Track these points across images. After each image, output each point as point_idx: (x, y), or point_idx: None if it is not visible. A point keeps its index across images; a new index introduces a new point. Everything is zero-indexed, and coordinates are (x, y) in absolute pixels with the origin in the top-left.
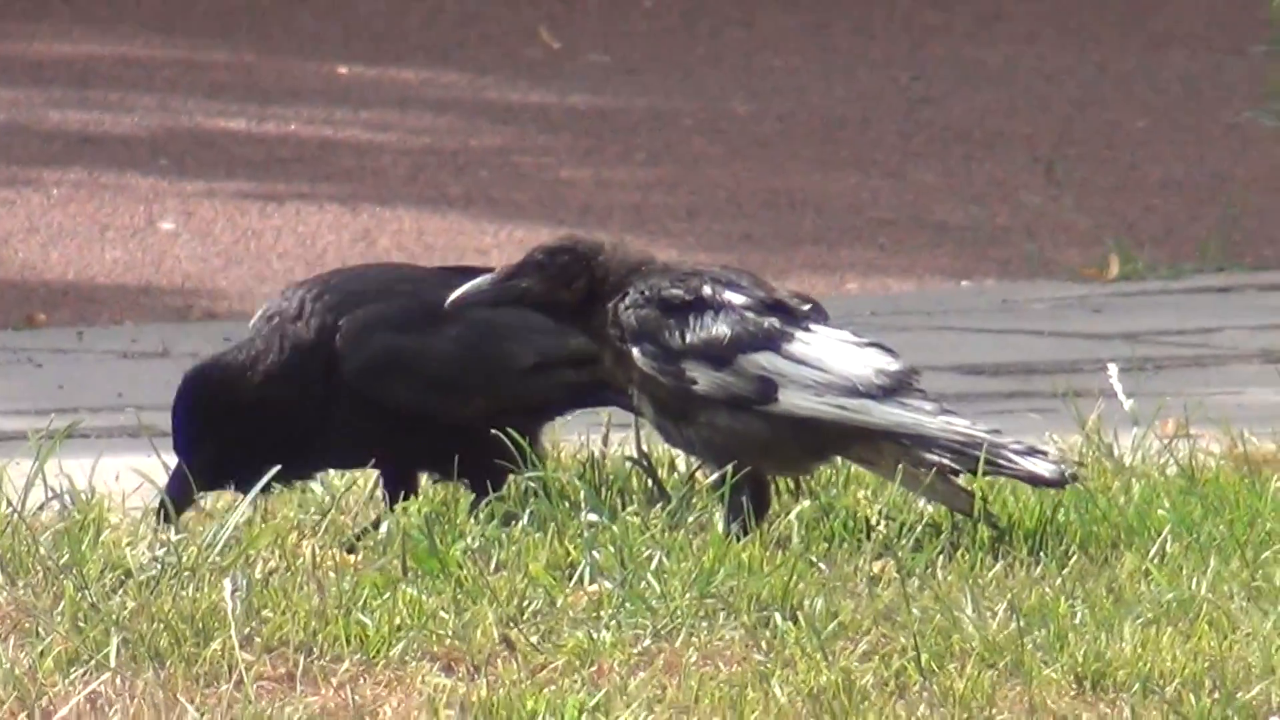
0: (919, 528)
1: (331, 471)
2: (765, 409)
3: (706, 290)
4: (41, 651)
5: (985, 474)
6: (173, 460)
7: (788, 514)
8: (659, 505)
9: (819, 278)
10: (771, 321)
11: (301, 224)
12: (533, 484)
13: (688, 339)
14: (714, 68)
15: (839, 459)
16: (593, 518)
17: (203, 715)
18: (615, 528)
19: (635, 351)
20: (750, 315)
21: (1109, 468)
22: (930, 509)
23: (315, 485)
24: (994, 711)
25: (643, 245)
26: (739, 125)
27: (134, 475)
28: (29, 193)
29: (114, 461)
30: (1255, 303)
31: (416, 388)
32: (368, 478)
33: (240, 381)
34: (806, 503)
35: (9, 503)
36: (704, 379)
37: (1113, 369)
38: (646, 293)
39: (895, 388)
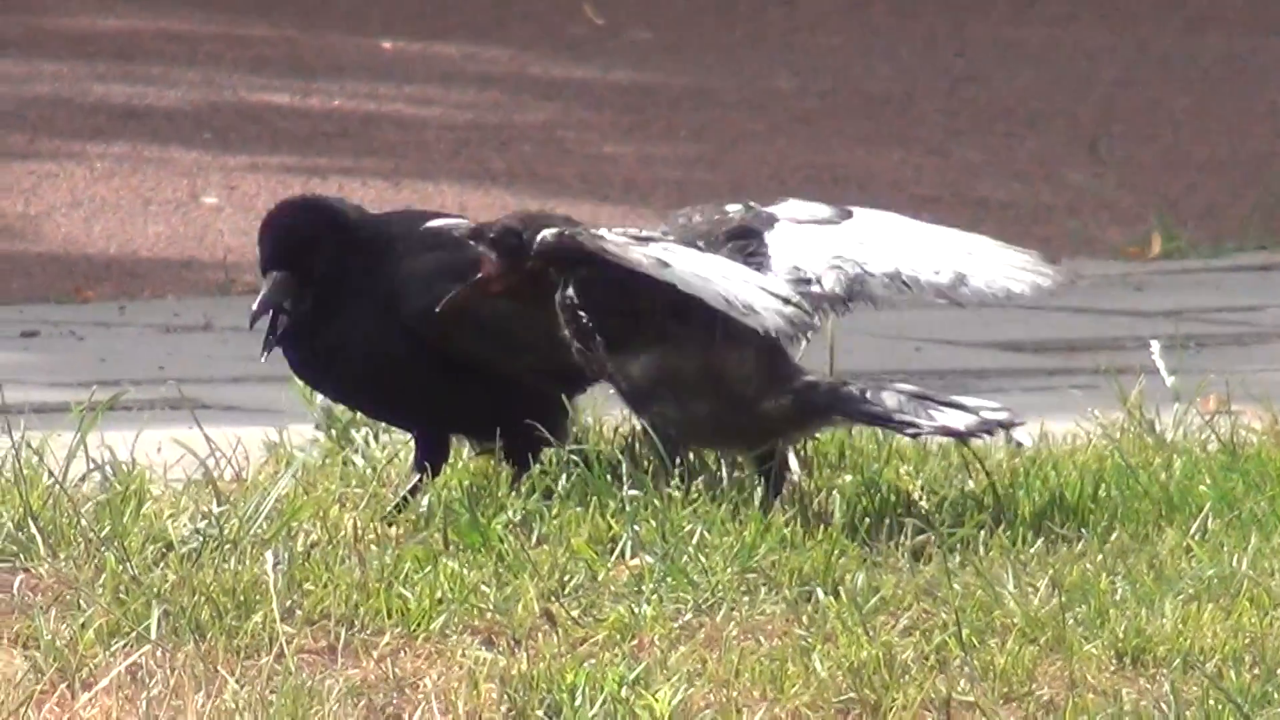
0: (962, 502)
1: (371, 441)
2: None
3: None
4: (83, 623)
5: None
6: (213, 432)
7: (830, 489)
8: (699, 479)
9: None
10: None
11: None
12: (575, 457)
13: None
14: (756, 45)
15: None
16: (634, 492)
17: (243, 687)
18: (657, 502)
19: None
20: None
21: (1151, 444)
22: (972, 484)
23: (357, 458)
24: (1034, 686)
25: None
26: (781, 102)
27: (175, 447)
28: (72, 166)
29: (155, 434)
30: None
31: (472, 336)
32: (409, 450)
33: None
34: (849, 477)
35: (51, 474)
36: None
37: (1155, 346)
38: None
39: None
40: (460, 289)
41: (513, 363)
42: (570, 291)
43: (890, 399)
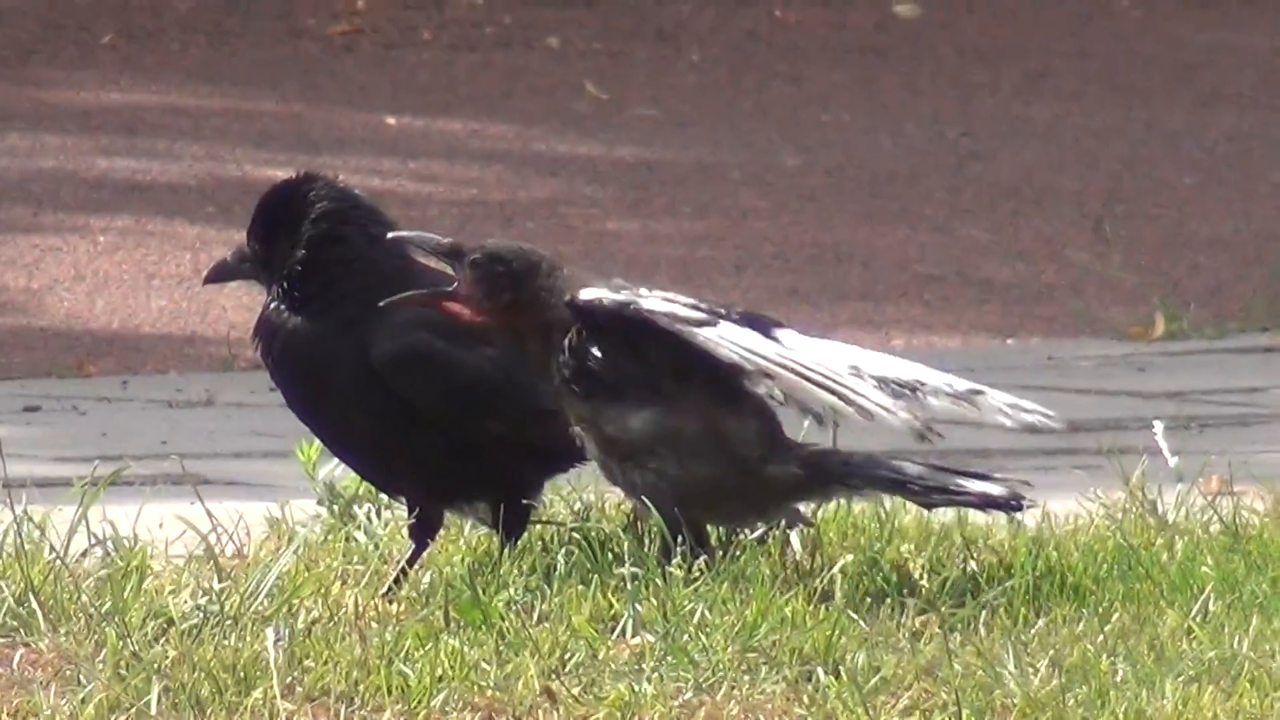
0: (962, 583)
1: (374, 519)
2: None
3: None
4: (83, 699)
5: (933, 504)
6: (215, 508)
7: (831, 567)
8: (701, 558)
9: (865, 333)
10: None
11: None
12: (576, 534)
13: (639, 290)
14: (761, 121)
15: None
16: (635, 570)
17: None
18: (658, 580)
19: (589, 292)
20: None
21: (1153, 525)
22: (974, 564)
23: (359, 534)
24: None
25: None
26: (786, 179)
27: (177, 523)
28: (76, 240)
29: (157, 509)
30: None
31: (436, 390)
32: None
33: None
34: (850, 556)
35: (52, 549)
36: (649, 304)
37: (1158, 427)
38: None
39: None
40: (416, 293)
41: (475, 425)
42: (582, 334)
43: (911, 468)
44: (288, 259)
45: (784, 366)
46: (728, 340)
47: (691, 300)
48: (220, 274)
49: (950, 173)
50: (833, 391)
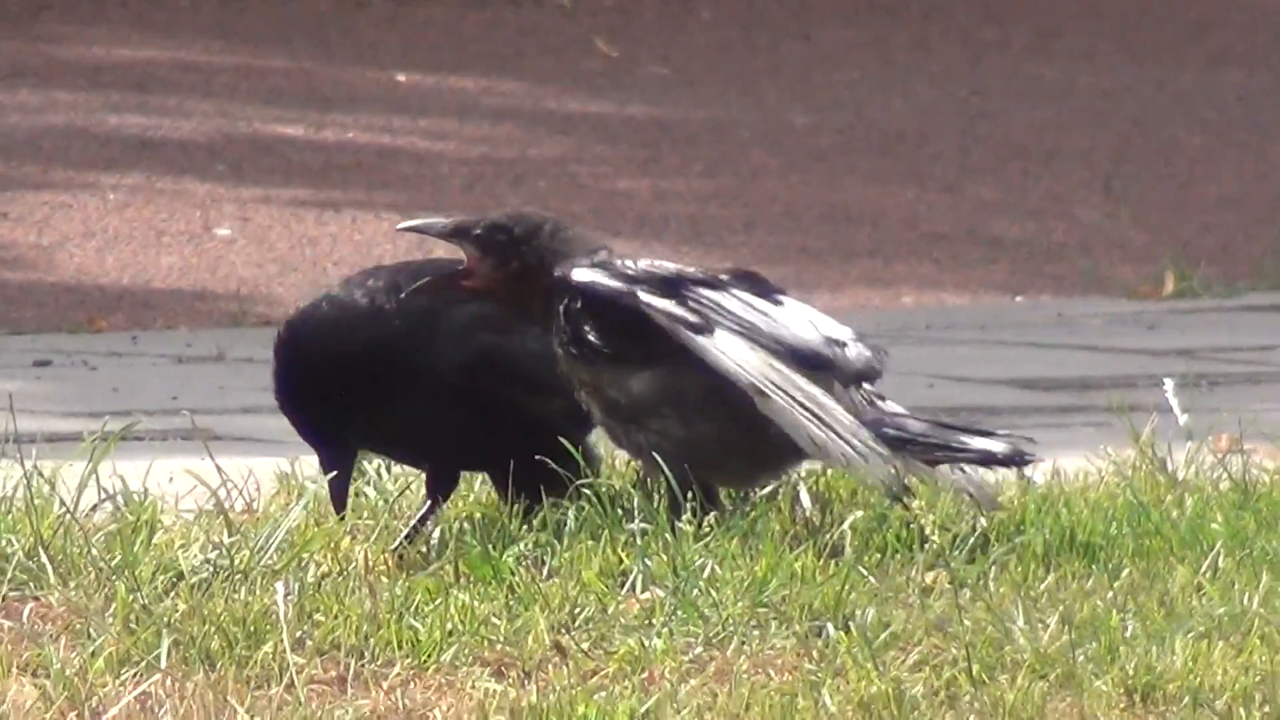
0: (972, 539)
1: (383, 473)
2: (700, 340)
3: (657, 261)
4: (93, 652)
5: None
6: (224, 463)
7: (841, 523)
8: (710, 514)
9: (874, 291)
10: (722, 278)
11: (358, 232)
12: (586, 490)
13: (640, 266)
14: (772, 80)
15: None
16: (645, 525)
17: (253, 717)
18: (668, 535)
19: (583, 272)
20: (699, 270)
21: (1163, 482)
22: (984, 521)
23: (368, 489)
24: None
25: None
26: (797, 138)
27: (187, 478)
28: (86, 197)
29: (167, 464)
30: None
31: (508, 384)
32: (420, 483)
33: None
34: (860, 512)
35: (62, 503)
36: (647, 296)
37: (1168, 384)
38: (598, 262)
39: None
40: (432, 279)
41: (545, 405)
42: (578, 303)
43: (915, 425)
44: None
45: (776, 389)
46: (721, 350)
47: (682, 268)
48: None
49: (960, 131)
50: (817, 427)
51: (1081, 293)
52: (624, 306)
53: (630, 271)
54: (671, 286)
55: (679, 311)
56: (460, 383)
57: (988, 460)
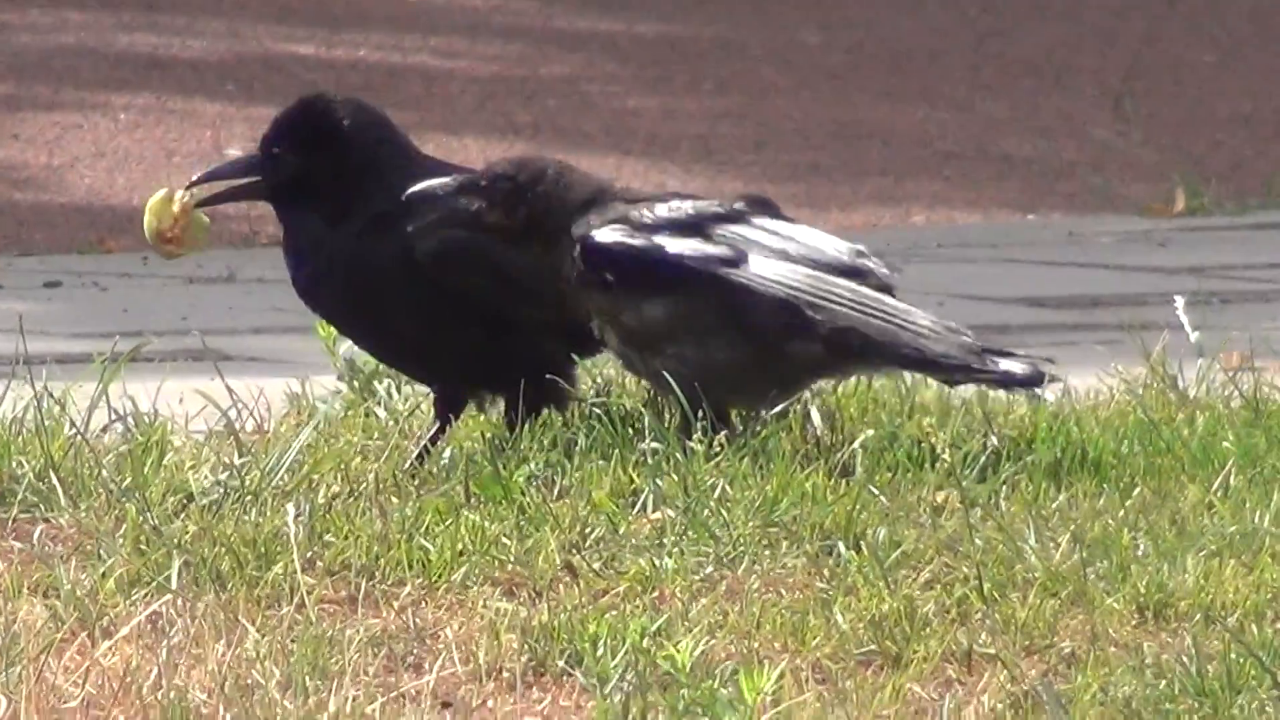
0: (983, 457)
1: (393, 393)
2: (734, 275)
3: (671, 201)
4: (103, 573)
5: (955, 381)
6: (235, 384)
7: (852, 442)
8: (721, 433)
9: (885, 209)
10: (739, 208)
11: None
12: (597, 409)
13: (657, 213)
14: None
15: (799, 386)
16: (656, 445)
17: (264, 636)
18: (679, 455)
19: (605, 231)
20: (716, 204)
21: (1174, 400)
22: (995, 440)
23: (379, 410)
24: (1056, 640)
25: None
26: (807, 56)
27: (197, 399)
28: (96, 117)
29: (177, 385)
30: None
31: (477, 275)
32: (430, 403)
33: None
34: (870, 431)
35: (72, 424)
36: (675, 244)
37: (1179, 302)
38: (609, 214)
39: (864, 272)
40: (459, 181)
41: (532, 316)
42: (594, 219)
43: (933, 345)
44: (321, 175)
45: (837, 299)
46: (762, 275)
47: (697, 205)
48: (219, 194)
49: (970, 50)
50: (889, 321)
51: (1092, 211)
52: (653, 260)
53: (649, 220)
54: (694, 228)
55: (712, 250)
56: (432, 270)
57: (1009, 381)
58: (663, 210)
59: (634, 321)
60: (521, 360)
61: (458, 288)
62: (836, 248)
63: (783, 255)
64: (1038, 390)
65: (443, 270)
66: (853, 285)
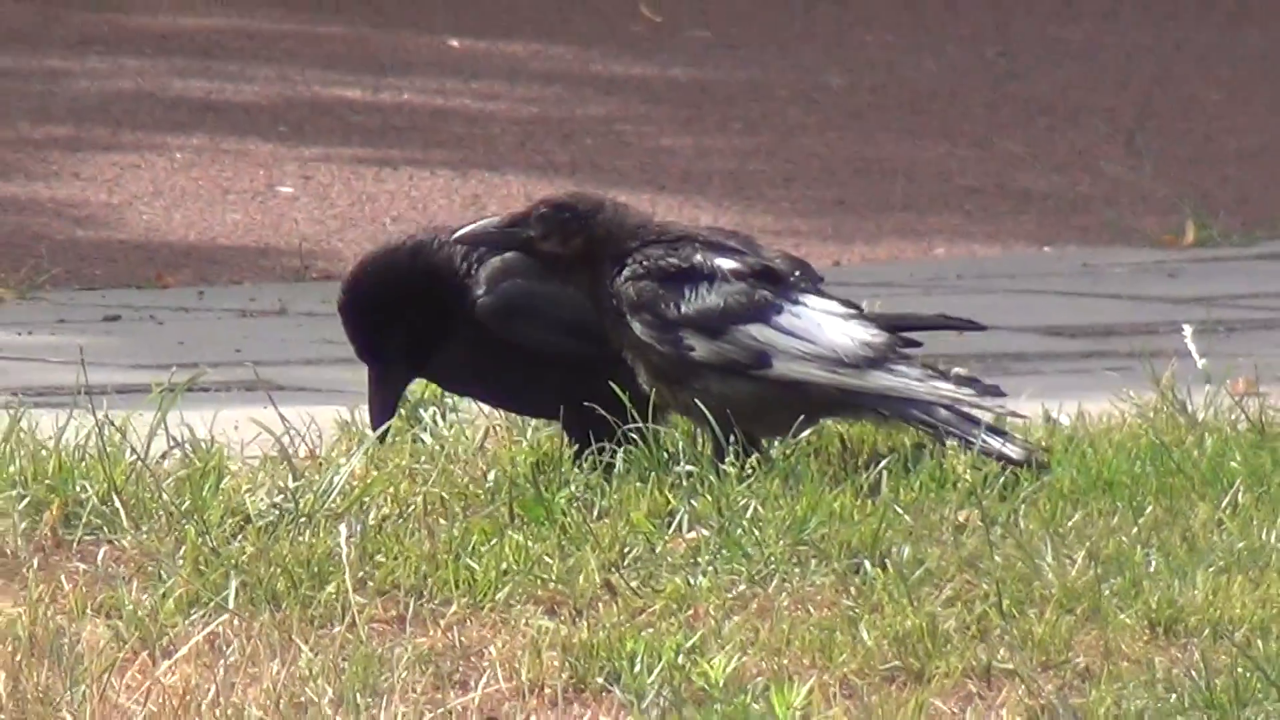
0: (1002, 478)
1: (439, 420)
2: (760, 374)
3: (698, 258)
4: (163, 593)
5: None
6: (287, 412)
7: (877, 465)
8: (753, 455)
9: (908, 243)
10: (763, 294)
11: (414, 189)
12: (633, 435)
13: (683, 310)
14: (808, 42)
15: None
16: (690, 468)
17: (317, 655)
18: (713, 477)
19: (635, 324)
20: (742, 285)
21: (1183, 423)
22: None
23: (425, 435)
24: (1071, 655)
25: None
26: (832, 97)
27: (252, 426)
28: (154, 158)
29: (232, 413)
30: None
31: (545, 329)
32: (476, 429)
33: (403, 266)
34: (895, 455)
35: (133, 451)
36: (701, 347)
37: (1187, 330)
38: (644, 263)
39: (879, 359)
40: (499, 230)
41: (598, 349)
42: (630, 270)
43: (940, 413)
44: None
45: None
46: (781, 378)
47: (726, 292)
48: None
49: (988, 90)
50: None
51: (1106, 243)
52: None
53: (673, 317)
54: (716, 332)
55: (731, 357)
56: (492, 326)
57: (1002, 459)
58: (690, 307)
59: (661, 361)
60: (579, 389)
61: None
62: (853, 338)
63: (803, 358)
64: (1029, 470)
65: (504, 324)
66: (866, 382)
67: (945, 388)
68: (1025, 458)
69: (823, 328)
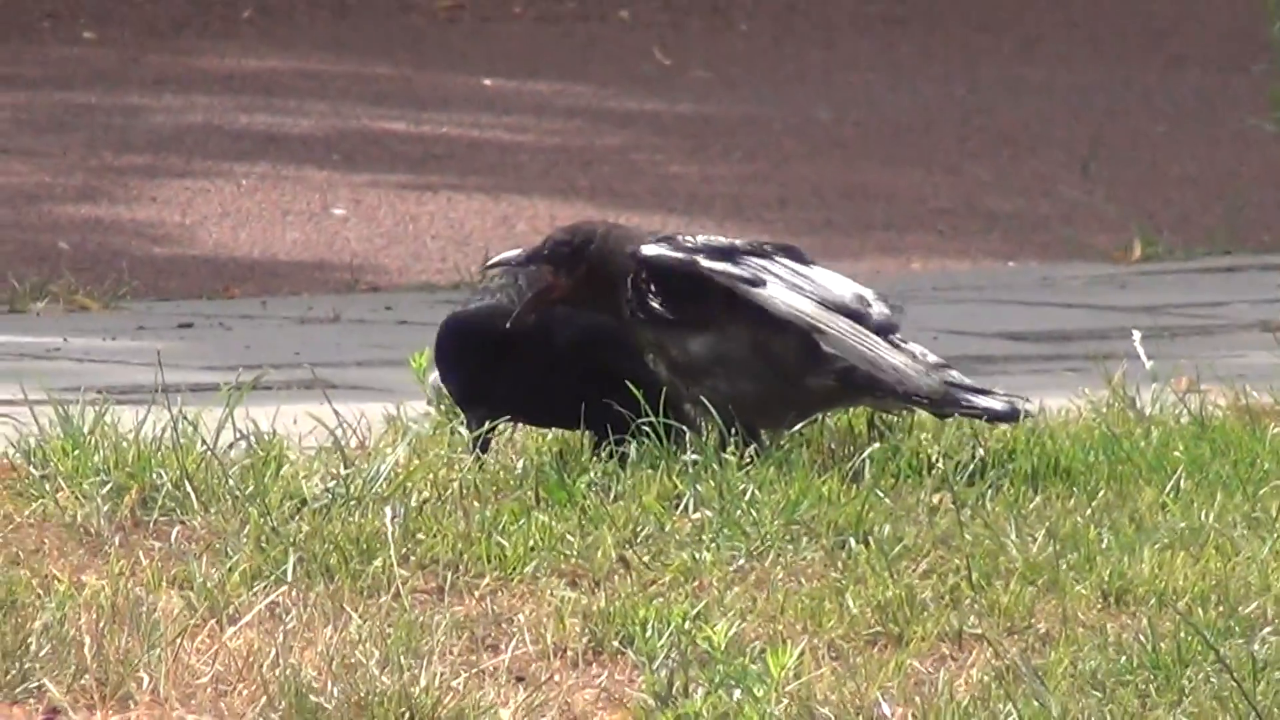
0: (972, 466)
1: None
2: (753, 293)
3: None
4: (229, 568)
5: (945, 414)
6: (340, 408)
7: (861, 454)
8: (751, 446)
9: (888, 258)
10: (768, 248)
11: (452, 210)
12: (645, 427)
13: (698, 240)
14: (800, 81)
15: (815, 412)
16: (695, 457)
17: (365, 622)
18: (715, 465)
19: (652, 303)
20: (746, 245)
21: (1132, 417)
22: (981, 451)
23: (462, 428)
24: (1033, 621)
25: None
26: (821, 129)
27: (308, 420)
28: (222, 183)
29: (292, 409)
30: (1256, 281)
31: (614, 352)
32: (507, 424)
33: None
34: (877, 444)
35: (203, 442)
36: (708, 263)
37: (1136, 335)
38: (648, 260)
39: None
40: (528, 299)
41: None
42: (644, 274)
43: (928, 382)
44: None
45: (830, 326)
46: (776, 298)
47: (733, 241)
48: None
49: (958, 123)
50: (867, 354)
51: (1064, 258)
52: (686, 273)
53: (690, 244)
54: (726, 254)
55: (736, 271)
56: (575, 355)
57: (991, 416)
58: (702, 238)
59: (679, 355)
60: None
61: (598, 364)
62: (842, 289)
63: (796, 288)
64: (1016, 422)
65: (585, 352)
66: (852, 323)
67: (916, 349)
68: (1009, 410)
69: (821, 276)
